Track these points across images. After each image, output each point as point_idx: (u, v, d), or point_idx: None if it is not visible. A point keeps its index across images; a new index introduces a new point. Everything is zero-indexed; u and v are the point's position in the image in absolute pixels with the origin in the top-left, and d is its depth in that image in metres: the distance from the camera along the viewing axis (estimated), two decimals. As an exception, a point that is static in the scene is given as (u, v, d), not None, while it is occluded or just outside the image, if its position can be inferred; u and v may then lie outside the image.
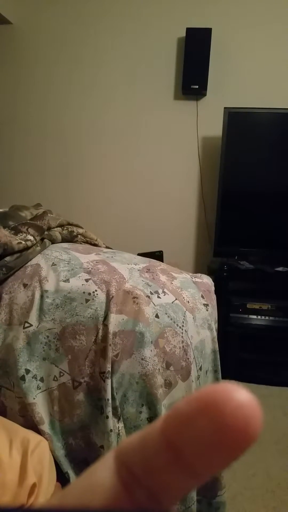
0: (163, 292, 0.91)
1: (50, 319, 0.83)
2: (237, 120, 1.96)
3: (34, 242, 0.95)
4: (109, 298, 0.84)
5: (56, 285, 0.87)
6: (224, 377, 1.02)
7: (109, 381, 0.78)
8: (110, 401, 0.78)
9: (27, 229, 0.96)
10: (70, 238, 1.16)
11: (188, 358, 0.85)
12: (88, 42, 2.28)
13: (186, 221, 2.35)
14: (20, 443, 0.70)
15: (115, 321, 0.82)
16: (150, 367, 0.80)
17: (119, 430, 0.79)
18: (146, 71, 2.25)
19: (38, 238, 0.97)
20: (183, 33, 2.12)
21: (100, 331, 0.81)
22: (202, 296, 0.98)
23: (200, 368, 0.90)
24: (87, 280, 0.88)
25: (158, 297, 0.89)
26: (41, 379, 0.81)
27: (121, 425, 0.80)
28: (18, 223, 0.98)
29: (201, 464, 0.12)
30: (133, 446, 0.13)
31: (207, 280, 1.05)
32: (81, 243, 1.19)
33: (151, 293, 0.89)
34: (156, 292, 0.90)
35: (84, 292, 0.85)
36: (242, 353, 1.95)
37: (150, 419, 0.81)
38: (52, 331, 0.82)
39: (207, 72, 2.08)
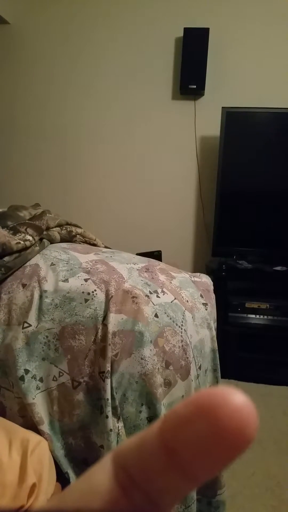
0: (162, 291, 0.91)
1: (49, 319, 0.83)
2: (235, 120, 1.96)
3: (33, 242, 0.95)
4: (108, 298, 0.84)
5: (55, 285, 0.86)
6: (223, 376, 1.02)
7: (108, 381, 0.78)
8: (109, 400, 0.78)
9: (25, 229, 0.96)
10: (69, 238, 1.16)
11: (187, 357, 0.85)
12: (86, 42, 2.28)
13: (185, 220, 2.35)
14: (19, 443, 0.70)
15: (115, 320, 0.82)
16: (150, 366, 0.80)
17: (118, 430, 0.79)
18: (144, 71, 2.26)
19: (37, 238, 0.97)
20: (180, 33, 2.12)
21: (100, 330, 0.81)
22: (201, 296, 0.98)
23: (200, 367, 0.90)
24: (86, 280, 0.88)
25: (157, 296, 0.89)
26: (41, 379, 0.81)
27: (121, 424, 0.80)
28: (16, 223, 0.98)
29: (198, 467, 0.12)
30: (131, 449, 0.13)
31: (206, 280, 1.06)
32: (80, 243, 1.19)
33: (150, 293, 0.89)
34: (155, 291, 0.90)
35: (83, 292, 0.85)
36: (241, 352, 1.95)
37: (150, 418, 0.81)
38: (51, 331, 0.82)
39: (204, 71, 2.09)
